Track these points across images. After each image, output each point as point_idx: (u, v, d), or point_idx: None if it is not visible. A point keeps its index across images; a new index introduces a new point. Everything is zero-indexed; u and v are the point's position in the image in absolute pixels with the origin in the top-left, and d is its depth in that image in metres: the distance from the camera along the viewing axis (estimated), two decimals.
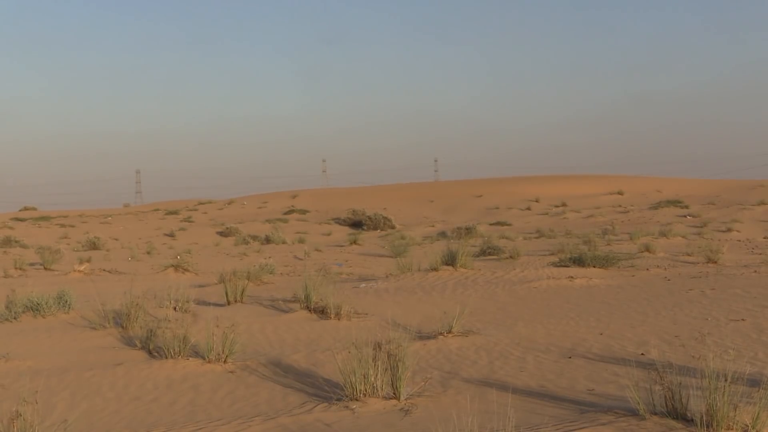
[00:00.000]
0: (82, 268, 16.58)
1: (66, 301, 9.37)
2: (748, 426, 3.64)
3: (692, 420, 3.79)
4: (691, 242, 23.09)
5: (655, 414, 3.96)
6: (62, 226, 53.72)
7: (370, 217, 44.37)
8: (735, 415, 3.67)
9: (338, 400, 4.99)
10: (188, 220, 55.27)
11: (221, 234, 41.98)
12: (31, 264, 20.03)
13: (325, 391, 5.31)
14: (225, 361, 6.45)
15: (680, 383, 3.95)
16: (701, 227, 32.16)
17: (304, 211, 55.96)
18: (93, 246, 31.66)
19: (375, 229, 42.12)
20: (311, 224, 47.83)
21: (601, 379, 5.57)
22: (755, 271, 12.34)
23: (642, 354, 6.28)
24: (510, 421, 3.75)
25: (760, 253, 17.91)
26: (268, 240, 33.50)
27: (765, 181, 62.72)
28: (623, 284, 11.27)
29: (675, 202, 46.92)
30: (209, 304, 10.39)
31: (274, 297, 10.29)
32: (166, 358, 6.66)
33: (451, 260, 13.13)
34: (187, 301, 9.41)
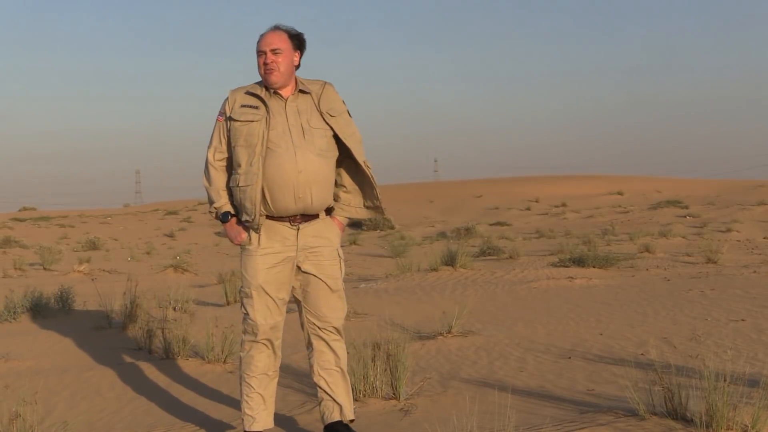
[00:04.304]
0: (81, 268, 16.57)
1: (66, 301, 9.38)
2: (747, 426, 3.64)
3: (692, 420, 3.79)
4: (691, 242, 23.09)
5: (655, 414, 3.96)
6: (62, 226, 53.72)
7: (369, 218, 44.35)
8: (734, 416, 3.66)
9: None
10: (188, 220, 55.30)
11: (221, 234, 41.99)
12: (31, 264, 20.04)
13: None
14: (225, 362, 6.45)
15: (679, 383, 3.94)
16: (701, 227, 32.18)
17: None
18: (93, 246, 31.68)
19: (375, 229, 42.10)
20: None
21: (600, 379, 5.57)
22: (755, 272, 12.33)
23: (642, 354, 6.28)
24: (510, 422, 3.75)
25: (760, 254, 17.91)
26: None
27: (765, 181, 62.73)
28: (623, 284, 11.26)
29: (675, 202, 46.97)
30: (208, 304, 10.40)
31: None
32: (166, 358, 6.66)
33: (450, 260, 13.13)
34: (187, 302, 9.41)
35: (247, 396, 4.19)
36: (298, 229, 4.10)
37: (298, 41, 4.11)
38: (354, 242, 29.84)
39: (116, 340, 7.71)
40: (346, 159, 4.23)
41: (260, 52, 4.05)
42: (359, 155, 4.18)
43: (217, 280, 13.86)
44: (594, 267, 13.35)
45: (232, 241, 4.20)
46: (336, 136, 4.14)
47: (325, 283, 4.16)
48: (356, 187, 4.26)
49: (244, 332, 4.19)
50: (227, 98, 4.14)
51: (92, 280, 14.43)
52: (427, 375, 5.74)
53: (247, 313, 4.12)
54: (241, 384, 4.23)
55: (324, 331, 4.19)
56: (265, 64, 4.03)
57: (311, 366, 4.25)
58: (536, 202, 58.12)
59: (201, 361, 6.53)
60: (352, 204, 4.26)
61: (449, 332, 7.29)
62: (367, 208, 4.32)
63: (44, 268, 18.65)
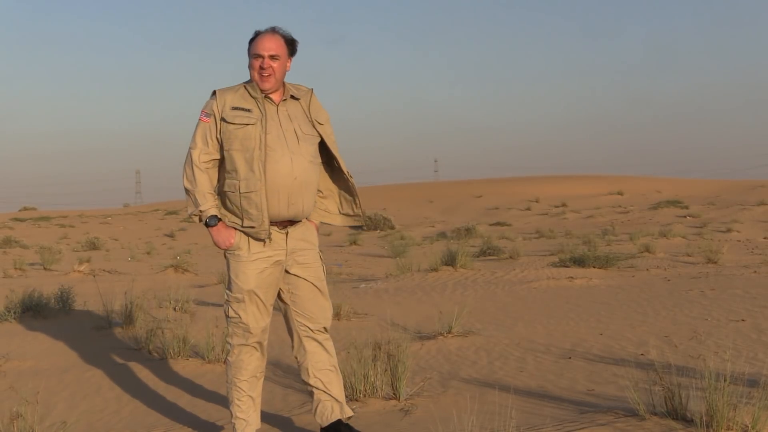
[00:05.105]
0: (81, 268, 16.57)
1: (66, 301, 9.37)
2: (747, 426, 3.64)
3: (692, 420, 3.79)
4: (691, 242, 23.10)
5: (655, 414, 3.96)
6: (62, 226, 53.73)
7: (369, 217, 44.36)
8: (734, 416, 3.67)
9: None
10: (188, 220, 55.15)
11: None
12: (31, 264, 20.04)
13: None
14: (225, 362, 6.44)
15: (679, 383, 3.94)
16: (701, 227, 32.17)
17: None
18: (93, 246, 31.68)
19: (375, 229, 42.12)
20: None
21: (600, 379, 5.57)
22: (755, 272, 12.34)
23: (642, 354, 6.28)
24: (511, 422, 3.75)
25: (760, 254, 17.91)
26: None
27: (765, 181, 62.77)
28: (623, 284, 11.27)
29: (675, 203, 46.97)
30: (209, 304, 10.40)
31: None
32: (166, 358, 6.66)
33: (450, 261, 13.14)
34: (187, 302, 9.42)
35: (238, 400, 4.17)
36: (287, 233, 4.11)
37: (292, 48, 4.10)
38: (354, 242, 29.84)
39: (116, 340, 7.71)
40: (323, 165, 4.27)
41: (257, 56, 4.00)
42: (343, 164, 4.25)
43: (217, 280, 13.87)
44: (594, 267, 13.35)
45: (218, 246, 4.11)
46: (320, 144, 4.18)
47: (314, 285, 4.20)
48: (332, 193, 4.34)
49: (232, 336, 4.15)
50: (214, 98, 4.04)
51: (93, 277, 14.44)
52: (427, 375, 5.74)
53: (238, 318, 4.09)
54: (230, 389, 4.20)
55: (315, 332, 4.23)
56: (261, 68, 3.99)
57: (305, 369, 4.24)
58: (536, 202, 58.13)
59: (201, 361, 6.53)
60: (329, 210, 4.33)
61: (449, 332, 7.29)
62: (345, 215, 4.37)
63: (44, 268, 18.64)
